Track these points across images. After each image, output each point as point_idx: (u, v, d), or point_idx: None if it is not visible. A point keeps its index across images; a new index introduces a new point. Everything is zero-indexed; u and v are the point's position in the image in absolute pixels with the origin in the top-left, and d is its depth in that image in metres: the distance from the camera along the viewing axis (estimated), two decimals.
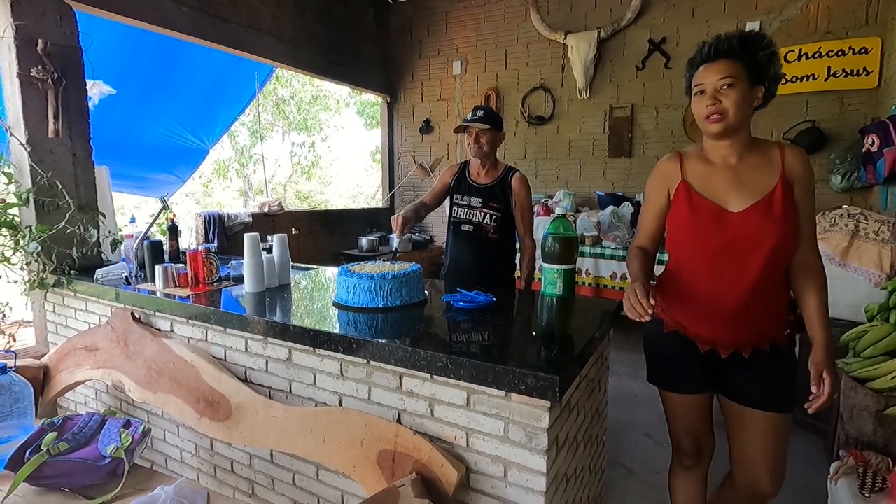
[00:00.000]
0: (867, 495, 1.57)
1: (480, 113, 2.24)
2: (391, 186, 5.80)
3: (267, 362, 1.65)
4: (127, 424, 1.61)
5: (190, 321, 1.85)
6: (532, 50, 4.80)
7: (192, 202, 9.72)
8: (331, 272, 2.37)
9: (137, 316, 2.01)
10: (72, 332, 2.36)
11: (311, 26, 4.48)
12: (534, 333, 1.37)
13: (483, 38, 5.03)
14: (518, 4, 4.77)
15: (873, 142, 3.16)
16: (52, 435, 1.49)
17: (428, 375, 1.29)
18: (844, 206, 2.81)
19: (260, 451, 1.73)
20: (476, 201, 2.33)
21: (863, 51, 3.56)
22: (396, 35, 5.50)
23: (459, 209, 2.38)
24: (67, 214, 2.42)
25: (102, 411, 1.69)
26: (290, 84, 9.58)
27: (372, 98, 7.54)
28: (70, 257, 2.38)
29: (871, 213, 2.68)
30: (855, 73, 3.60)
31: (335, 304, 1.70)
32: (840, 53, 3.62)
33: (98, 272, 2.19)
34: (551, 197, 4.60)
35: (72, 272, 2.33)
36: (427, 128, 5.43)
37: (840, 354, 2.32)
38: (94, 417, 1.63)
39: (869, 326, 2.20)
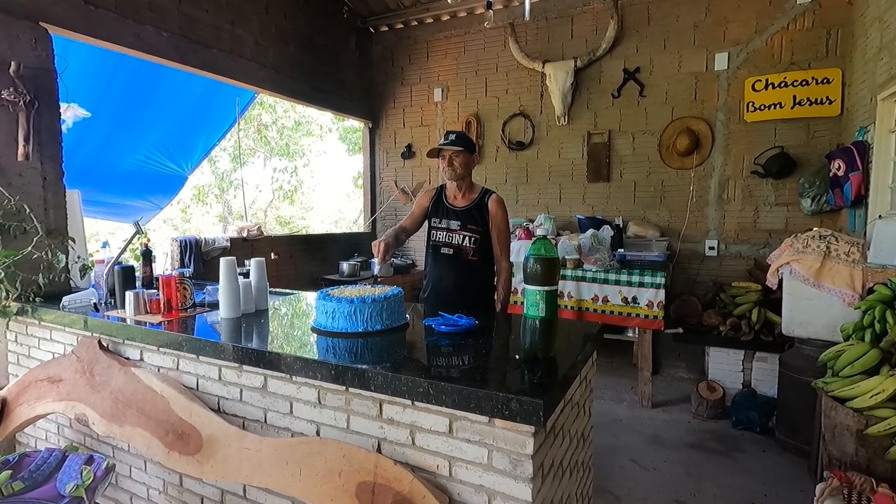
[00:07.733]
0: None
1: (452, 136, 2.29)
2: (373, 211, 5.79)
3: (241, 391, 1.58)
4: (89, 461, 1.53)
5: (161, 349, 1.77)
6: (511, 78, 4.91)
7: (170, 228, 9.51)
8: (310, 297, 2.32)
9: (105, 344, 1.93)
10: (34, 362, 2.25)
11: (293, 53, 4.52)
12: (517, 357, 1.35)
13: (463, 67, 5.14)
14: (497, 34, 4.90)
15: (839, 166, 3.29)
16: (6, 473, 1.40)
17: (409, 402, 1.25)
18: (816, 229, 2.89)
19: (232, 486, 1.64)
20: (454, 224, 2.33)
21: (825, 81, 3.74)
22: (378, 63, 5.59)
23: (438, 233, 2.38)
24: (35, 239, 2.33)
25: (63, 447, 1.60)
26: (274, 110, 9.59)
27: (354, 124, 7.59)
28: (36, 284, 2.28)
29: (841, 234, 2.76)
30: (819, 101, 3.77)
31: (314, 330, 1.65)
32: (804, 83, 3.79)
33: (65, 299, 2.10)
34: (532, 221, 4.64)
35: (37, 299, 2.24)
36: (409, 153, 5.47)
37: (819, 374, 2.35)
38: (53, 453, 1.54)
39: (845, 346, 2.23)
